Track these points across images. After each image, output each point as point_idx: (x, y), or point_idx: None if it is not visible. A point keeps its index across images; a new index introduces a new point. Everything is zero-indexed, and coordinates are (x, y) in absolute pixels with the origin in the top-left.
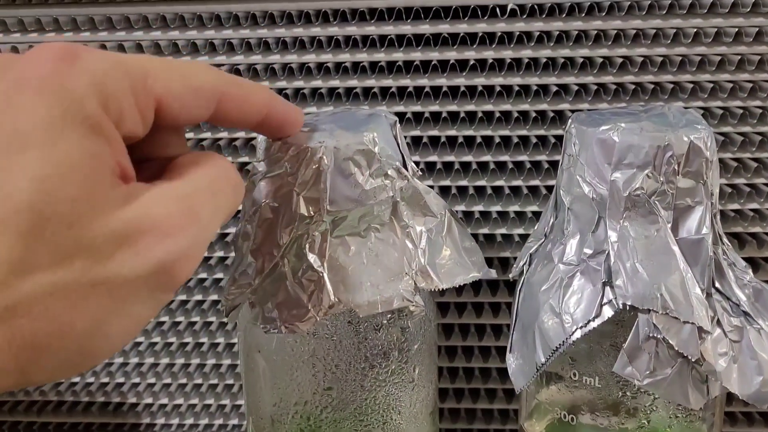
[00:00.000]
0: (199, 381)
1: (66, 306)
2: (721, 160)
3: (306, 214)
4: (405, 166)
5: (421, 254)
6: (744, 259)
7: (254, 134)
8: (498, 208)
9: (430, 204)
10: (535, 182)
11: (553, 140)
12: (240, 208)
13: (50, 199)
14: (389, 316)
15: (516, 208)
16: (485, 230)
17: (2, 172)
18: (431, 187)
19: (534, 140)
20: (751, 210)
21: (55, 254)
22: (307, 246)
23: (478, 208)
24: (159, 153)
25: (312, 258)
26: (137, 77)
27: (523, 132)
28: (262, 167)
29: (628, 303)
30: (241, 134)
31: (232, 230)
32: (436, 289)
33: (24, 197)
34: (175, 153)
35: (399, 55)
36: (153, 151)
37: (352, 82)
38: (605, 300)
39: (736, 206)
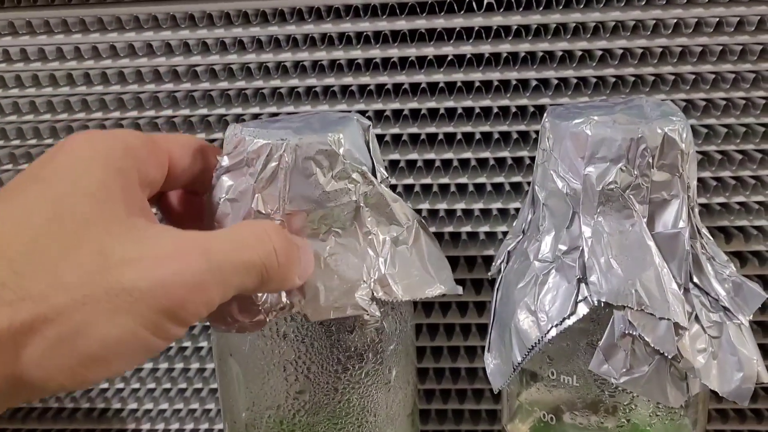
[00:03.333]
0: (184, 385)
1: (65, 297)
2: (705, 153)
3: (263, 212)
4: (374, 172)
5: (381, 263)
6: (731, 253)
7: (215, 135)
8: (480, 205)
9: (396, 212)
10: (518, 178)
11: (534, 135)
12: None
13: (68, 215)
14: (362, 318)
15: (498, 205)
16: (468, 228)
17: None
18: (412, 185)
19: (515, 136)
20: (737, 203)
21: (63, 251)
22: None
23: (460, 206)
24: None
25: None
26: (147, 137)
27: (504, 128)
28: (226, 162)
29: (603, 299)
30: (202, 135)
31: None
32: (395, 301)
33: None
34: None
35: (376, 52)
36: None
37: (329, 81)
38: (580, 297)
39: (721, 199)
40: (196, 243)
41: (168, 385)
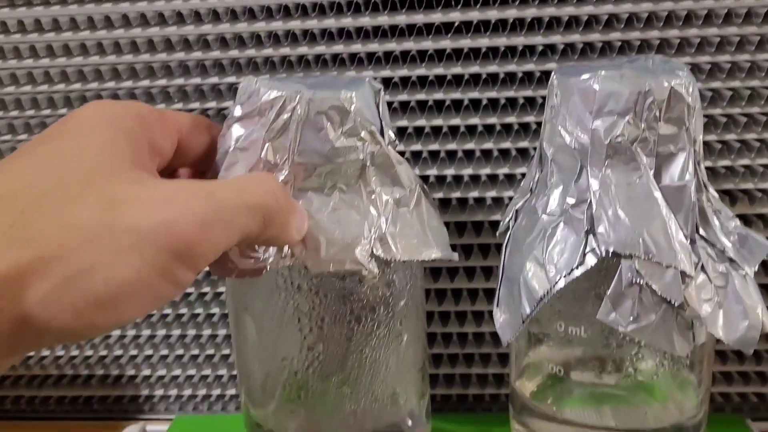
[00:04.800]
0: (196, 352)
1: (71, 238)
2: (710, 116)
3: (272, 162)
4: (382, 133)
5: (383, 222)
6: (736, 216)
7: (226, 104)
8: (487, 170)
9: (400, 174)
10: (524, 144)
11: (540, 101)
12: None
13: (76, 166)
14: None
15: (505, 170)
16: (475, 193)
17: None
18: (420, 151)
19: (521, 101)
20: (742, 166)
21: (71, 197)
22: None
23: (467, 171)
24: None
25: None
26: (156, 110)
27: (511, 93)
28: (238, 111)
29: (611, 249)
30: (213, 104)
31: None
32: (393, 260)
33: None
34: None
35: (384, 19)
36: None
37: (338, 48)
38: (588, 248)
39: (726, 162)
40: (199, 187)
41: (181, 352)
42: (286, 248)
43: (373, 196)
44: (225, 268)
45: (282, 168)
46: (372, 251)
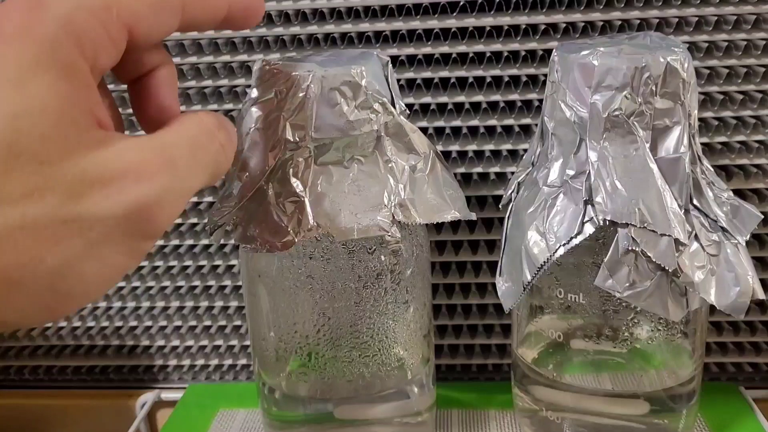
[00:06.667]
0: (209, 323)
1: (36, 240)
2: (707, 94)
3: (292, 140)
4: (393, 104)
5: (401, 189)
6: (731, 191)
7: (237, 81)
8: (491, 146)
9: (414, 142)
10: (527, 120)
11: (542, 78)
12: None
13: (20, 136)
14: (381, 240)
15: (508, 146)
16: (479, 169)
17: None
18: (426, 127)
19: (524, 79)
20: (738, 142)
21: (25, 188)
22: (291, 171)
23: (471, 147)
24: (142, 69)
25: (295, 183)
26: (103, 11)
27: (514, 71)
28: (255, 93)
29: (608, 218)
30: (225, 81)
31: None
32: (414, 224)
33: None
34: (156, 64)
35: None
36: (136, 69)
37: (347, 27)
38: (587, 217)
39: (723, 139)
40: (157, 154)
41: (194, 323)
42: (311, 219)
43: (390, 165)
44: (255, 245)
45: (301, 145)
46: (393, 217)
